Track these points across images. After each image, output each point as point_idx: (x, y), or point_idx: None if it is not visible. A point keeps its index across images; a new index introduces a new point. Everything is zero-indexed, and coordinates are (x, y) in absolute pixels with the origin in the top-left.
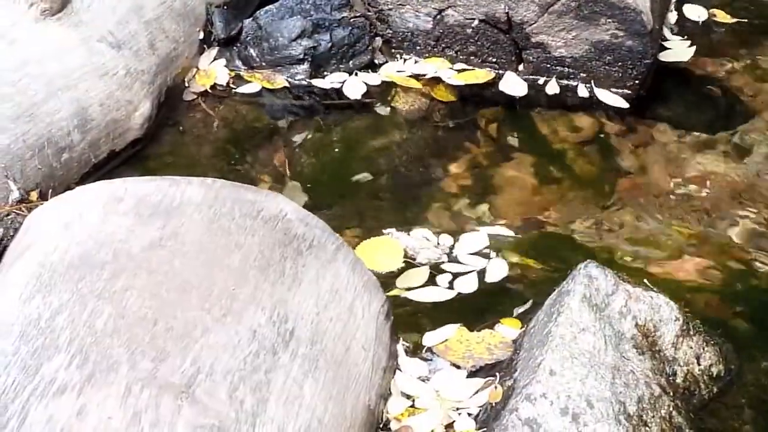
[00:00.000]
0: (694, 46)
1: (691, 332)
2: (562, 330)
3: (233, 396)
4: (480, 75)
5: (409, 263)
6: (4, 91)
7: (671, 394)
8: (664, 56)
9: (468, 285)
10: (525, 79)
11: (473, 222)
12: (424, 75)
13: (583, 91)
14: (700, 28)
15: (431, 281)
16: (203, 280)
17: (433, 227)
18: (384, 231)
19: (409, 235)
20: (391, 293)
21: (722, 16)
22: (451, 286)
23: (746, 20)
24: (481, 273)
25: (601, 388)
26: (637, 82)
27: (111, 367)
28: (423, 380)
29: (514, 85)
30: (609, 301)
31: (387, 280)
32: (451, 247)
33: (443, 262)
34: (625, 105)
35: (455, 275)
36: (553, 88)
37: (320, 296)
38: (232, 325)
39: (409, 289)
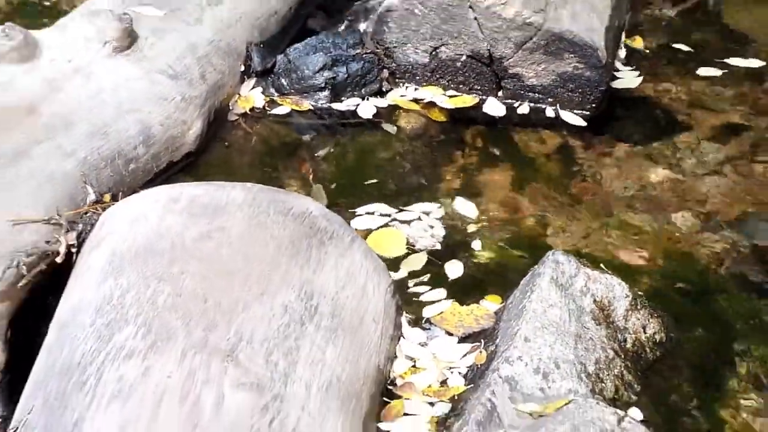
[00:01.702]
0: (641, 76)
1: (639, 307)
2: (535, 305)
3: (269, 360)
4: (467, 100)
5: (411, 249)
6: (83, 115)
7: (623, 356)
8: (616, 84)
9: (458, 269)
10: (503, 103)
11: (462, 216)
12: (422, 99)
13: (550, 113)
14: (645, 60)
15: (428, 265)
16: (244, 266)
17: (429, 220)
18: (390, 224)
19: (410, 226)
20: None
21: (654, 58)
22: (443, 270)
23: (682, 53)
24: (469, 258)
25: (566, 352)
26: (593, 105)
27: (170, 336)
28: (422, 345)
29: (494, 107)
30: (572, 282)
31: (395, 264)
32: (444, 236)
33: (437, 249)
34: (583, 123)
35: (447, 260)
36: (525, 109)
37: (339, 278)
38: (267, 302)
39: (412, 272)
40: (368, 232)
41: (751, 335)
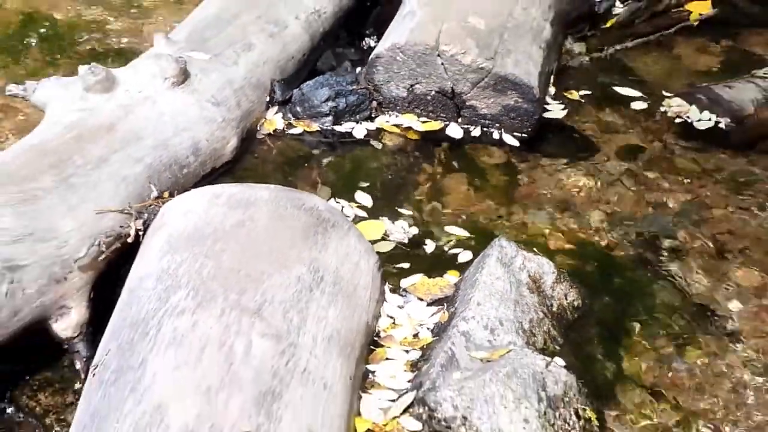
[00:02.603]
0: (566, 109)
1: (562, 280)
2: (485, 278)
3: (285, 316)
4: (435, 125)
5: (384, 239)
6: (149, 132)
7: (550, 317)
8: (547, 114)
9: (428, 250)
10: (462, 128)
11: (431, 212)
12: (402, 124)
13: (496, 135)
14: (567, 99)
15: (404, 248)
16: (268, 247)
17: (405, 214)
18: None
19: (392, 222)
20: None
21: (575, 95)
22: (417, 252)
23: (594, 96)
24: (435, 242)
25: (508, 314)
26: (529, 129)
27: (212, 298)
28: (400, 307)
29: (455, 131)
30: (513, 261)
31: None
32: (416, 227)
33: (411, 237)
34: (520, 144)
35: (418, 245)
36: (477, 132)
37: (338, 256)
38: (285, 274)
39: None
40: (357, 221)
41: (645, 301)
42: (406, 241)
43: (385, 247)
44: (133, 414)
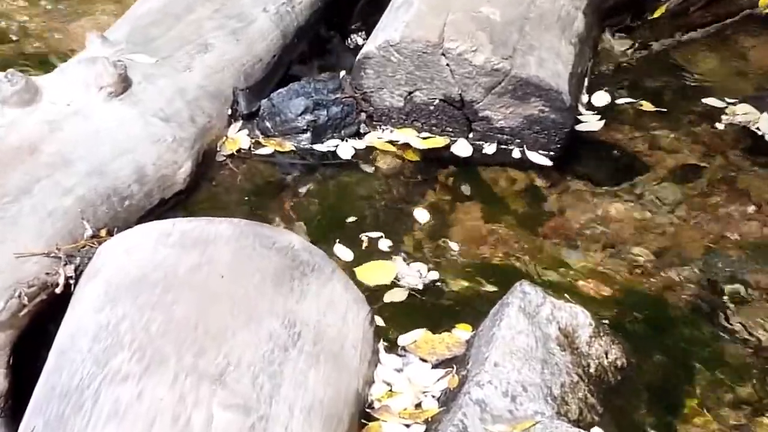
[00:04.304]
0: (603, 120)
1: (601, 334)
2: (504, 332)
3: (255, 383)
4: (439, 141)
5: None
6: (81, 154)
7: (586, 380)
8: (580, 127)
9: (430, 299)
10: (472, 144)
11: (434, 251)
12: (398, 141)
13: (516, 153)
14: (607, 106)
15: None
16: (232, 295)
17: (406, 256)
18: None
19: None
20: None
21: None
22: (420, 300)
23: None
24: (441, 291)
25: (533, 376)
26: (558, 146)
27: (162, 361)
28: (398, 371)
29: (464, 149)
30: (538, 311)
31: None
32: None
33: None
34: (549, 163)
35: (422, 292)
36: (492, 149)
37: (320, 307)
38: (253, 330)
39: (389, 302)
40: (347, 264)
41: (703, 361)
42: (420, 287)
43: (396, 295)
44: None
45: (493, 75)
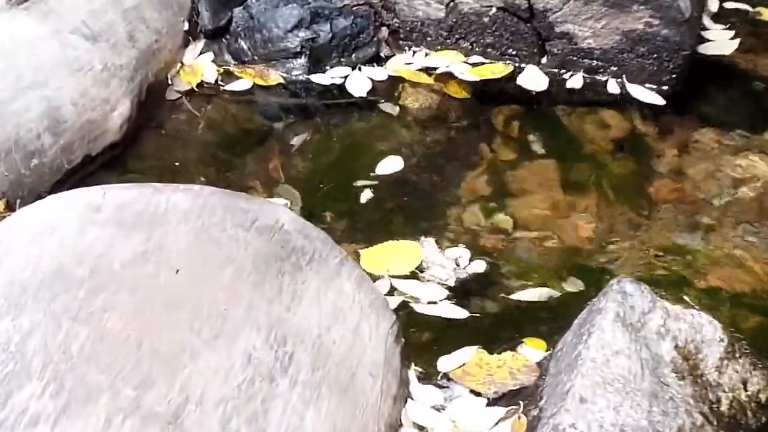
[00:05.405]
0: (738, 38)
1: (737, 354)
2: (593, 353)
3: (226, 428)
4: (497, 69)
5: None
6: None
7: (715, 423)
8: (704, 48)
9: (486, 304)
10: (547, 73)
11: (490, 233)
12: (436, 69)
13: (613, 87)
14: (743, 18)
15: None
16: (192, 298)
17: (446, 240)
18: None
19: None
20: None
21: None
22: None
23: None
24: (500, 289)
25: (638, 417)
26: (673, 76)
27: (89, 395)
28: (438, 410)
29: (534, 79)
30: (645, 321)
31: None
32: (469, 260)
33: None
34: (660, 102)
35: (468, 291)
36: (578, 82)
37: (322, 316)
38: (224, 349)
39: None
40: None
41: None
42: (452, 283)
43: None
44: None
45: None
